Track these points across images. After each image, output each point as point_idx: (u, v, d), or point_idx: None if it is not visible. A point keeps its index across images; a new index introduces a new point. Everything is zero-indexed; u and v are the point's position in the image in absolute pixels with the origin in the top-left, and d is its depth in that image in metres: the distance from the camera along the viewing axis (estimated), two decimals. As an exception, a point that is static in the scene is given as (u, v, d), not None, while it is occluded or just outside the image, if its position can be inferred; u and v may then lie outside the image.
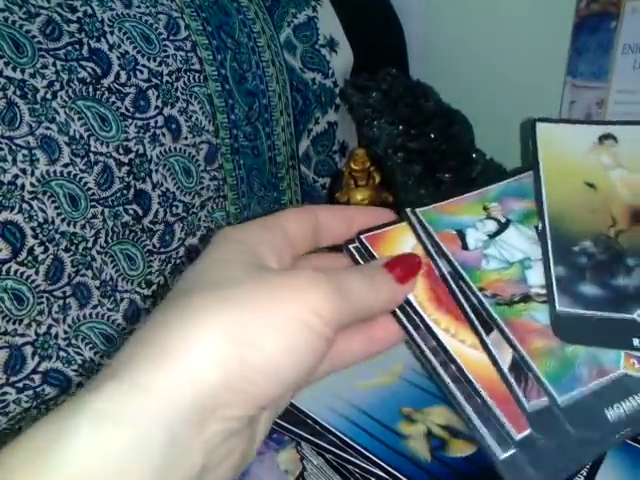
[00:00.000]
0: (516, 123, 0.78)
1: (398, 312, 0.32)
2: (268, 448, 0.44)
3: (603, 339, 0.33)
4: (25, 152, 0.52)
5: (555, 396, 0.30)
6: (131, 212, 0.59)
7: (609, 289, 0.34)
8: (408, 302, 0.33)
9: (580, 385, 0.31)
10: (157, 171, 0.61)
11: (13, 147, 0.52)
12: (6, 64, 0.52)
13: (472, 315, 0.34)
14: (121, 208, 0.58)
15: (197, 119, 0.65)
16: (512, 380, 0.31)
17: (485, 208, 0.40)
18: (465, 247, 0.37)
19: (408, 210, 0.39)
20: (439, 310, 0.34)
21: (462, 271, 0.35)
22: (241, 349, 0.22)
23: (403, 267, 0.31)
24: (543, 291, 0.35)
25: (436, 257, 0.36)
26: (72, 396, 0.22)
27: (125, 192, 0.59)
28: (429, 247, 0.37)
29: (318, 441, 0.36)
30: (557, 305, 0.33)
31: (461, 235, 0.38)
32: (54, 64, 0.55)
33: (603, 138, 0.42)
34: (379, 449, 0.33)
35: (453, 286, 0.35)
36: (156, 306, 0.25)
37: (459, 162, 0.75)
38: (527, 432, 0.29)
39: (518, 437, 0.29)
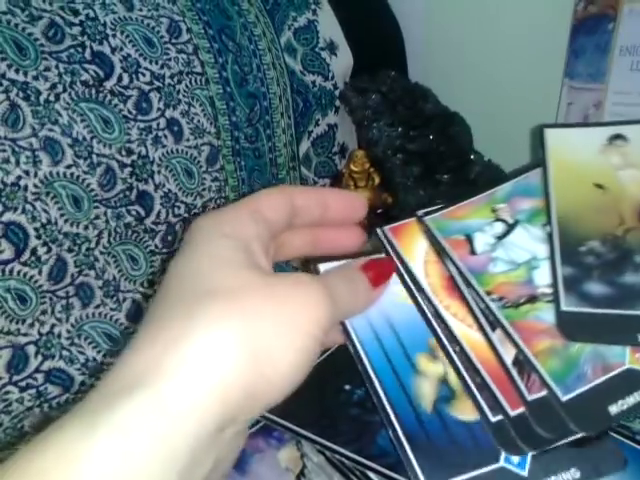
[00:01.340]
0: (514, 125, 0.78)
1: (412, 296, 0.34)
2: (269, 446, 0.44)
3: (608, 336, 0.33)
4: (28, 154, 0.53)
5: (558, 395, 0.30)
6: (134, 213, 0.60)
7: (616, 287, 0.34)
8: (420, 288, 0.35)
9: (584, 383, 0.31)
10: (159, 172, 0.61)
11: (16, 149, 0.52)
12: (9, 66, 0.52)
13: (479, 314, 0.35)
14: (124, 209, 0.59)
15: (199, 121, 0.65)
16: (515, 374, 0.32)
17: (493, 210, 0.40)
18: (473, 251, 0.38)
19: (417, 216, 0.40)
20: (451, 297, 0.36)
21: (469, 277, 0.36)
22: (259, 362, 0.23)
23: (376, 271, 0.31)
24: (549, 290, 0.35)
25: (445, 262, 0.37)
26: (100, 402, 0.21)
27: (128, 193, 0.59)
28: (439, 252, 0.38)
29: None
30: (562, 305, 0.33)
31: (469, 239, 0.39)
32: (57, 67, 0.55)
33: (612, 139, 0.42)
34: (387, 378, 0.32)
35: (462, 289, 0.36)
36: (158, 302, 0.24)
37: (458, 163, 0.75)
38: (520, 410, 0.30)
39: (512, 414, 0.30)
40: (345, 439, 0.33)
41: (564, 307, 0.33)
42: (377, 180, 0.74)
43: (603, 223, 0.37)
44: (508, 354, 0.33)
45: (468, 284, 0.36)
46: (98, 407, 0.21)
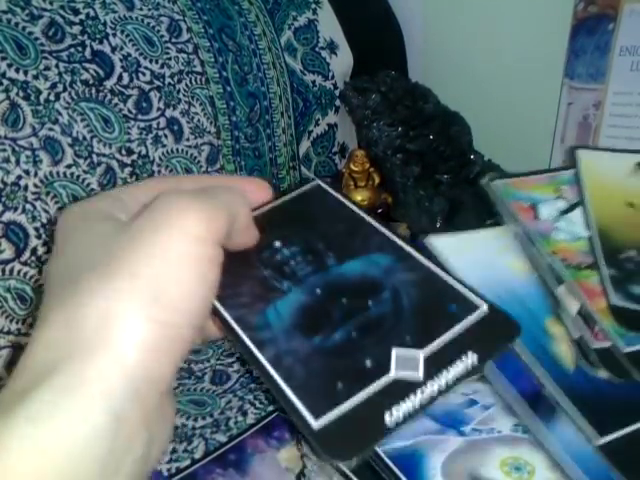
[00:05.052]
0: (514, 124, 0.79)
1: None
2: (269, 446, 0.44)
3: None
4: (28, 153, 0.53)
5: (619, 345, 0.34)
6: (133, 213, 0.60)
7: None
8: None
9: None
10: (159, 172, 0.61)
11: (16, 148, 0.52)
12: (9, 66, 0.52)
13: (545, 271, 0.38)
14: (123, 209, 0.59)
15: (199, 121, 0.65)
16: (582, 323, 0.35)
17: (557, 190, 0.45)
18: (537, 218, 0.42)
19: (485, 181, 0.45)
20: None
21: (534, 236, 0.40)
22: (152, 311, 0.22)
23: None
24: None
25: (510, 223, 0.42)
26: (9, 397, 0.21)
27: (127, 193, 0.59)
28: (503, 214, 0.43)
29: None
30: (612, 300, 0.37)
31: (534, 207, 0.43)
32: (57, 66, 0.55)
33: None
34: (526, 339, 0.34)
35: (526, 247, 0.40)
36: (47, 298, 0.24)
37: (457, 163, 0.75)
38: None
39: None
40: (236, 302, 0.27)
41: (614, 301, 0.37)
42: (377, 180, 0.75)
43: (638, 236, 0.42)
44: (573, 307, 0.37)
45: (533, 243, 0.40)
46: (10, 400, 0.21)
